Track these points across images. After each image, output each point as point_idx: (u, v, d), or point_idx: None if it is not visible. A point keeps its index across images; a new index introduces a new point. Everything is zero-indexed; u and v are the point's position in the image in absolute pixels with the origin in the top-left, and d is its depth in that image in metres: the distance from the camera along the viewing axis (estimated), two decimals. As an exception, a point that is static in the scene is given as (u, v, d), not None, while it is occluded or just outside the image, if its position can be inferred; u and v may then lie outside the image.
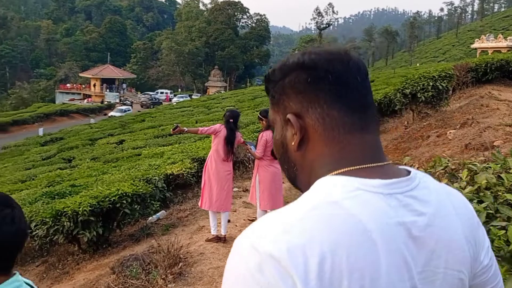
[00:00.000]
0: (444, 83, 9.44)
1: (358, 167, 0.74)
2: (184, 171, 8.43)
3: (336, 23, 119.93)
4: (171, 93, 62.18)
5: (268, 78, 0.84)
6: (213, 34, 70.77)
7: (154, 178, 7.74)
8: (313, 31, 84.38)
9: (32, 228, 6.28)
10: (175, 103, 44.24)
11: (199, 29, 71.20)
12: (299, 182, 0.82)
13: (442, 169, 2.81)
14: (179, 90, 68.79)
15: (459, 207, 0.80)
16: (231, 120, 5.61)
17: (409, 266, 0.68)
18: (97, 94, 58.99)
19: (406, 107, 10.69)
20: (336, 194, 0.69)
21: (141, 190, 6.62)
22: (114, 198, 5.96)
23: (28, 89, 65.91)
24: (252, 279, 0.64)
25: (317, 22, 75.76)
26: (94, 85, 60.90)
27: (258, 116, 5.70)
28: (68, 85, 64.14)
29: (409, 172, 0.77)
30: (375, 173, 0.73)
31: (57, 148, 21.18)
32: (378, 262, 0.65)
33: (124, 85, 65.72)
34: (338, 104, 0.76)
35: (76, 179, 10.24)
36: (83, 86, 62.89)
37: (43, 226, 6.15)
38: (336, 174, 0.74)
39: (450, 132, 7.40)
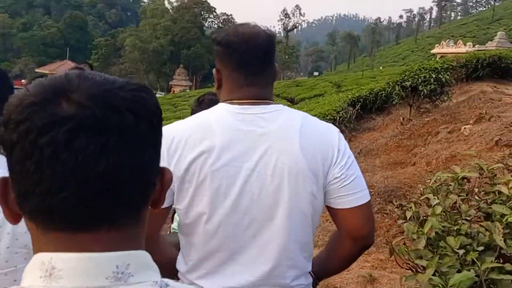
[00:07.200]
0: (447, 75, 8.82)
1: (235, 101, 1.23)
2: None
3: (300, 27, 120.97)
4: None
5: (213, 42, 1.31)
6: (178, 32, 69.36)
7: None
8: (277, 33, 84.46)
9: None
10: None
11: (164, 27, 69.61)
12: None
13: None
14: (143, 88, 66.58)
15: (309, 135, 1.21)
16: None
17: (248, 154, 1.17)
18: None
19: (400, 102, 10.18)
20: (212, 111, 1.24)
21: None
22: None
23: (-20, 84, 62.54)
24: (167, 143, 1.18)
25: (284, 24, 75.83)
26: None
27: None
28: (23, 80, 61.10)
29: (275, 106, 1.24)
30: (242, 104, 1.22)
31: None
32: (214, 143, 1.16)
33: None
34: (237, 70, 1.24)
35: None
36: (41, 82, 60.31)
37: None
38: (223, 102, 1.26)
39: (465, 128, 6.88)
